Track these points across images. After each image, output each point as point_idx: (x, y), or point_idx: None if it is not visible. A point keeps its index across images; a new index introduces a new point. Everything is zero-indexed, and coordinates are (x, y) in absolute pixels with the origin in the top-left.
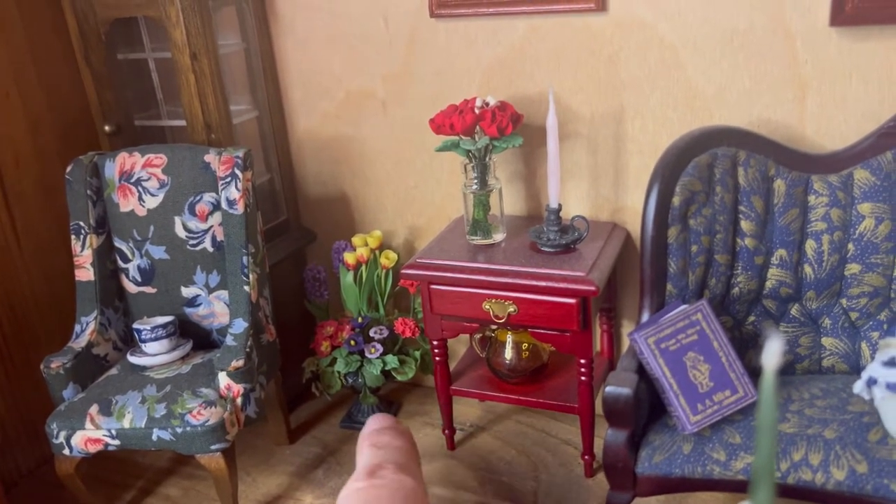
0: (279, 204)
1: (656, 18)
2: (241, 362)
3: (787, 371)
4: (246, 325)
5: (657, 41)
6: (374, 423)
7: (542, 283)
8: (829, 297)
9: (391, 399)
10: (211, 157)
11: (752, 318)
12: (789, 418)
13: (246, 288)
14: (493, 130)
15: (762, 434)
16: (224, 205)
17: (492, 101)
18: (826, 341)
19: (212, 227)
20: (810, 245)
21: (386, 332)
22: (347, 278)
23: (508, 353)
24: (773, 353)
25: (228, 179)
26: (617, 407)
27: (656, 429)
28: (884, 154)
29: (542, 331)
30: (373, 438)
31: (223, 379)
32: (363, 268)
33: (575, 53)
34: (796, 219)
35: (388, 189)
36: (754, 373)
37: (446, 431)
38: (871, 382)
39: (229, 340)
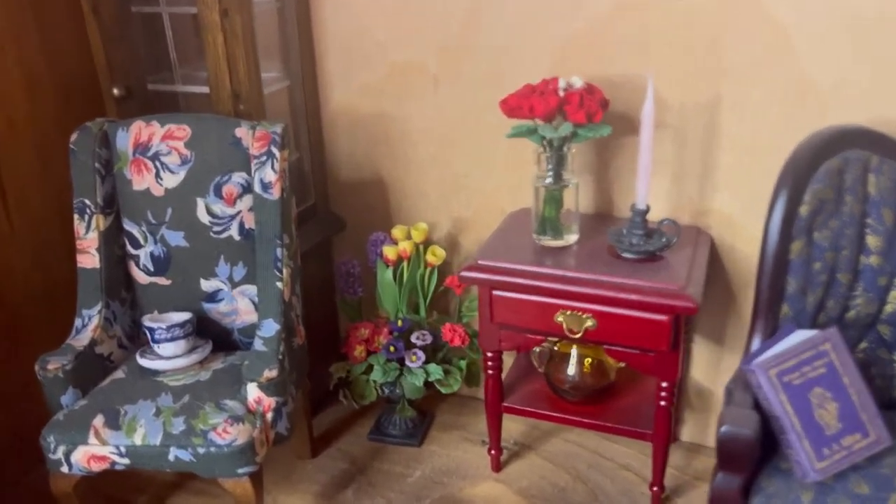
0: (307, 187)
1: None
2: (274, 372)
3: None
4: (278, 327)
5: (768, 24)
6: None
7: (631, 297)
8: None
9: (423, 409)
10: (243, 132)
11: (864, 345)
12: None
13: (279, 284)
14: (581, 116)
15: None
16: (258, 188)
17: (578, 83)
18: None
19: (240, 212)
20: None
21: (429, 339)
22: (386, 275)
23: (572, 369)
24: None
25: (264, 159)
26: (735, 449)
27: (768, 472)
28: None
29: (622, 349)
30: None
31: (253, 391)
32: (404, 264)
33: (668, 34)
34: None
35: (431, 175)
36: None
37: (492, 452)
38: None
39: (259, 345)
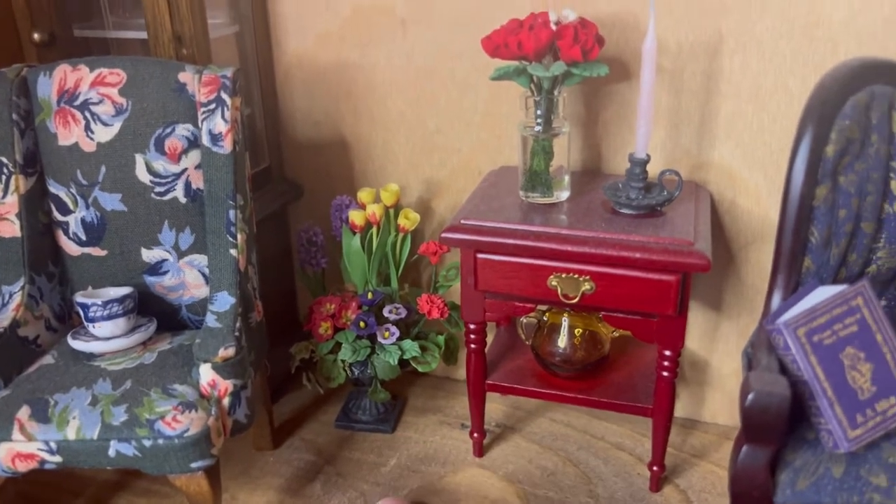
0: (260, 148)
1: None
2: (231, 351)
3: None
4: (233, 300)
5: None
6: None
7: (636, 255)
8: None
9: (394, 393)
10: (187, 77)
11: (883, 302)
12: None
13: (233, 252)
14: (576, 52)
15: None
16: (206, 140)
17: (571, 16)
18: None
19: (186, 169)
20: None
21: (403, 312)
22: (353, 243)
23: (563, 341)
24: None
25: (212, 107)
26: (766, 419)
27: (793, 445)
28: None
29: (622, 314)
30: None
31: (206, 373)
32: (373, 230)
33: None
34: None
35: (400, 133)
36: None
37: (475, 435)
38: None
39: (212, 321)
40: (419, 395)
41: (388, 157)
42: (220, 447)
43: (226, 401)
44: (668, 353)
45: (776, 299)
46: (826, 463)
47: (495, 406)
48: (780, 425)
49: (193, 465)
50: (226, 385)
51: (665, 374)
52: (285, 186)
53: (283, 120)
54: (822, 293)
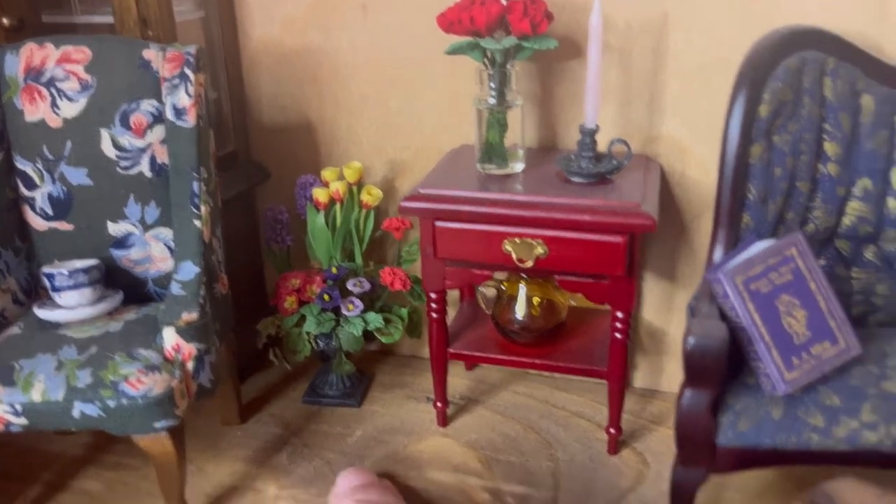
0: (226, 132)
1: None
2: (194, 315)
3: (860, 324)
4: (198, 269)
5: None
6: (354, 479)
7: (584, 217)
8: None
9: (361, 369)
10: (152, 54)
11: (822, 262)
12: (892, 375)
13: (197, 223)
14: (525, 26)
15: None
16: (170, 114)
17: None
18: None
19: (151, 144)
20: None
21: (367, 286)
22: (318, 220)
23: (521, 309)
24: None
25: (176, 82)
26: (704, 363)
27: (734, 390)
28: None
29: (574, 278)
30: (358, 496)
31: (170, 337)
32: (337, 207)
33: None
34: (884, 143)
35: (364, 116)
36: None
37: (439, 405)
38: None
39: (176, 289)
40: (387, 372)
41: (352, 138)
42: (185, 409)
43: (189, 364)
44: (619, 314)
45: (718, 253)
46: (766, 406)
47: (460, 380)
48: (718, 368)
49: (157, 424)
50: (189, 349)
51: (618, 335)
52: (252, 169)
53: (249, 104)
54: (760, 247)
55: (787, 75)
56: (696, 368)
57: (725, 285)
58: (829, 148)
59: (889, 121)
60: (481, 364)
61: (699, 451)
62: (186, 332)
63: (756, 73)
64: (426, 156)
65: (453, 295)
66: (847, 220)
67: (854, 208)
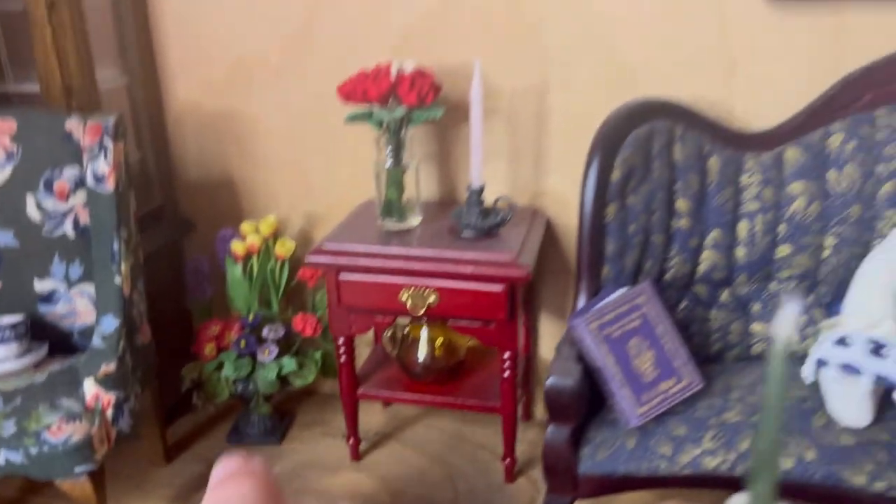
0: (152, 188)
1: None
2: (112, 366)
3: (717, 360)
4: (118, 322)
5: (586, 9)
6: (218, 472)
7: (468, 269)
8: (759, 280)
9: (283, 409)
10: (73, 125)
11: (683, 305)
12: (732, 406)
13: (117, 279)
14: (413, 98)
15: (767, 415)
16: (90, 181)
17: (409, 67)
18: (755, 327)
19: (74, 207)
20: (743, 226)
21: (282, 332)
22: (236, 271)
23: (423, 350)
24: (787, 321)
25: (96, 151)
26: (561, 400)
27: (597, 424)
28: (813, 132)
29: (465, 322)
30: (214, 497)
31: (90, 387)
32: (254, 259)
33: (496, 21)
34: (730, 199)
35: (281, 172)
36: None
37: (351, 441)
38: (821, 364)
39: (97, 342)
40: (308, 411)
41: (271, 193)
42: (104, 454)
43: (109, 412)
44: (506, 354)
45: (581, 301)
46: (622, 438)
47: (377, 417)
48: (574, 405)
49: (77, 469)
50: (108, 397)
51: (506, 374)
52: (179, 222)
53: (175, 162)
54: (616, 295)
55: (637, 143)
56: (555, 405)
57: (581, 331)
58: (681, 204)
59: (733, 179)
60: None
61: (564, 480)
62: (105, 383)
63: (607, 143)
64: (339, 209)
65: (369, 336)
66: (702, 268)
67: (707, 257)
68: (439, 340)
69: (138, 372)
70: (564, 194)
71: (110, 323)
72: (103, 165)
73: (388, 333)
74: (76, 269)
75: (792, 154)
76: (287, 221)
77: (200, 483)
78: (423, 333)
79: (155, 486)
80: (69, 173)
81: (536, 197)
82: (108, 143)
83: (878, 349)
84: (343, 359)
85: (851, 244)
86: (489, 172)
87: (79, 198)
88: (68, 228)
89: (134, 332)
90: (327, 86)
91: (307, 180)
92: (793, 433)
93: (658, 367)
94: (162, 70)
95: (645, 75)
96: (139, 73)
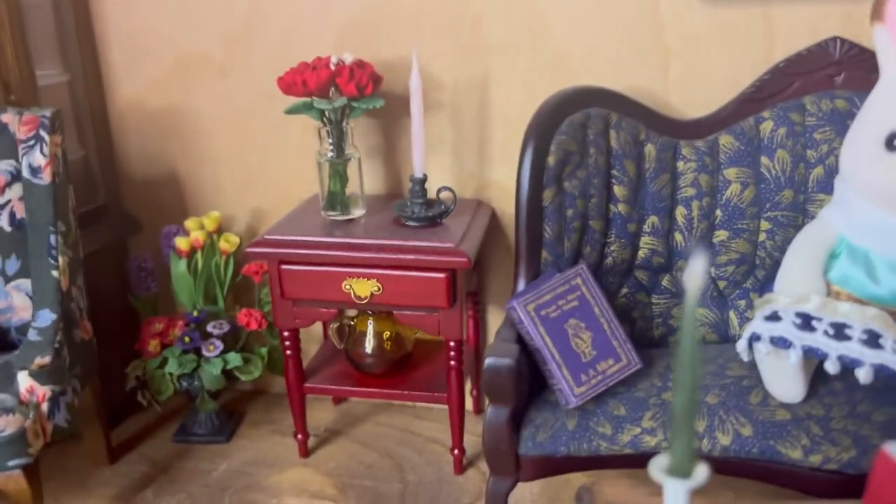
0: (95, 186)
1: None
2: (47, 359)
3: (660, 344)
4: (54, 316)
5: (523, 2)
6: None
7: (409, 257)
8: None
9: (232, 409)
10: (9, 117)
11: (624, 291)
12: (671, 387)
13: (54, 273)
14: (352, 89)
15: (682, 371)
16: (26, 173)
17: (349, 59)
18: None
19: (10, 201)
20: (680, 212)
21: (227, 327)
22: (180, 267)
23: (370, 343)
24: (696, 273)
25: (32, 143)
26: (499, 380)
27: (537, 406)
28: (746, 120)
29: (409, 312)
30: None
31: (24, 380)
32: (198, 255)
33: (436, 15)
34: (667, 185)
35: (226, 167)
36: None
37: (299, 436)
38: (755, 339)
39: (32, 335)
40: (257, 409)
41: (217, 189)
42: (39, 448)
43: (44, 406)
44: (451, 343)
45: (521, 285)
46: (562, 418)
47: (326, 413)
48: (511, 385)
49: (10, 463)
50: (43, 391)
51: (452, 363)
52: (123, 220)
53: (119, 159)
54: (553, 278)
55: (572, 129)
56: (494, 386)
57: (519, 312)
58: (618, 191)
59: (669, 165)
60: (347, 397)
61: (505, 462)
62: (40, 376)
63: (541, 128)
64: (284, 203)
65: (318, 331)
66: (641, 253)
67: (646, 242)
68: (387, 333)
69: (77, 368)
70: (508, 185)
71: (46, 317)
72: (39, 157)
73: (334, 326)
74: (13, 264)
75: (726, 141)
76: (233, 217)
77: (143, 483)
78: (370, 326)
79: (97, 485)
80: (4, 166)
81: (481, 188)
82: (45, 135)
83: (806, 322)
84: (289, 352)
85: (786, 227)
86: (434, 165)
87: (15, 191)
88: (4, 222)
89: (73, 327)
90: (270, 81)
91: (252, 176)
92: (730, 410)
93: (596, 347)
94: (104, 67)
95: (583, 66)
96: (81, 70)
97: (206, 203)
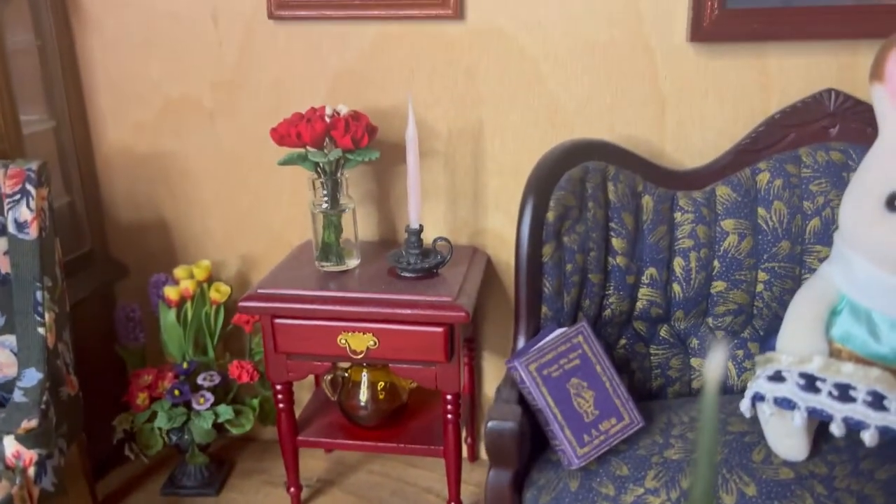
0: (81, 232)
1: (516, 29)
2: (34, 422)
3: (659, 395)
4: (41, 375)
5: (517, 53)
6: None
7: (406, 311)
8: (696, 316)
9: (222, 458)
10: None
11: (623, 342)
12: (673, 444)
13: (41, 330)
14: (347, 141)
15: (702, 459)
16: (12, 228)
17: (344, 110)
18: (694, 362)
19: None
20: (678, 263)
21: (217, 379)
22: (169, 317)
23: (364, 394)
24: (716, 365)
25: (17, 197)
26: (501, 443)
27: (539, 466)
28: (742, 170)
29: (405, 365)
30: None
31: (10, 445)
32: (188, 304)
33: (430, 64)
34: (664, 236)
35: (216, 213)
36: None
37: (292, 489)
38: (758, 399)
39: (18, 396)
40: (248, 458)
41: (206, 235)
42: None
43: (31, 470)
44: (448, 396)
45: (521, 341)
46: (565, 479)
47: (318, 463)
48: (514, 448)
49: None
50: (30, 455)
51: (449, 416)
52: (110, 266)
53: (105, 205)
54: (554, 335)
55: (570, 184)
56: (496, 449)
57: (521, 372)
58: (617, 243)
59: (667, 216)
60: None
61: None
62: (26, 440)
63: (540, 183)
64: (277, 250)
65: (309, 378)
66: (640, 304)
67: (644, 294)
68: (381, 384)
69: (63, 426)
70: (503, 232)
71: (32, 376)
72: (25, 212)
73: (328, 378)
74: None
75: (723, 192)
76: (223, 264)
77: None
78: (364, 377)
79: None
80: None
81: (476, 236)
82: (31, 189)
83: (810, 383)
84: (282, 405)
85: (783, 278)
86: (428, 212)
87: (0, 245)
88: None
89: (59, 384)
90: (261, 127)
91: (243, 222)
92: (733, 468)
93: (598, 406)
94: (91, 112)
95: (578, 116)
96: (67, 115)
97: (194, 248)
